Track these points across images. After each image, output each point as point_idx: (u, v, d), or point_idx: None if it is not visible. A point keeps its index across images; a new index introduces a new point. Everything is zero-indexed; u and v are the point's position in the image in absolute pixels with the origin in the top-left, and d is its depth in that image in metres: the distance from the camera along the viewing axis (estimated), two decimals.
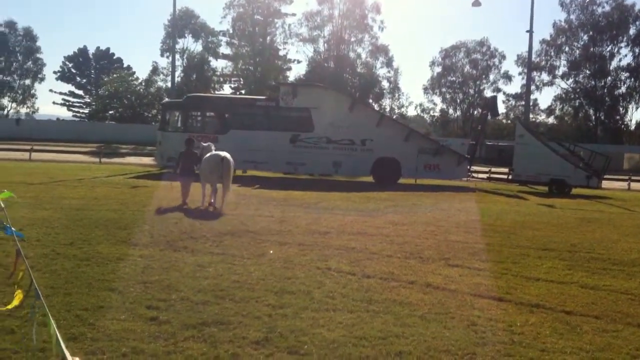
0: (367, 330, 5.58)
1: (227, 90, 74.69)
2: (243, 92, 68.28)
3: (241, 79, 74.48)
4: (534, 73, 65.69)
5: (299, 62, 75.91)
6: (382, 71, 75.49)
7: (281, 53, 73.62)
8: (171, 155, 24.70)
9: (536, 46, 66.99)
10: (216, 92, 66.37)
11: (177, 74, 66.51)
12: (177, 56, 69.68)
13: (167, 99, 36.75)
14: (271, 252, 8.90)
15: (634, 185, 30.36)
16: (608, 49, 68.43)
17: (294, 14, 71.57)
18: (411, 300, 6.66)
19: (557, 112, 73.44)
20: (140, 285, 6.75)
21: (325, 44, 73.25)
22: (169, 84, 56.44)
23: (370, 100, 69.81)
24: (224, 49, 75.91)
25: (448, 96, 79.61)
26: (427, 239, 10.78)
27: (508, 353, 5.17)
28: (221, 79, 76.66)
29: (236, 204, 14.49)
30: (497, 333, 5.65)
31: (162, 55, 76.13)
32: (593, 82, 68.91)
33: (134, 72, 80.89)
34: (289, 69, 75.62)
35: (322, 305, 6.32)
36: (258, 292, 6.70)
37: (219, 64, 77.43)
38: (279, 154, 24.06)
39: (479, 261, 8.94)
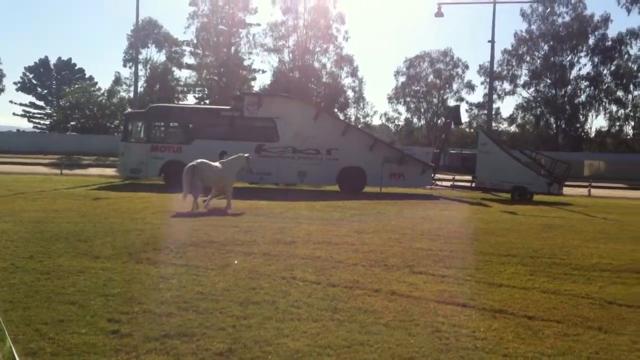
0: (332, 339, 5.57)
1: (191, 100, 74.31)
2: (207, 102, 67.92)
3: (205, 89, 74.21)
4: (496, 82, 66.73)
5: (263, 72, 75.72)
6: (347, 81, 76.06)
7: (246, 63, 73.56)
8: (134, 166, 24.47)
9: (498, 56, 68.12)
10: (180, 102, 65.83)
11: (140, 84, 66.22)
12: (140, 66, 69.32)
13: (129, 110, 36.34)
14: (236, 262, 8.84)
15: (594, 191, 30.98)
16: (568, 58, 69.91)
17: (258, 24, 71.56)
18: (376, 308, 6.68)
19: (519, 120, 74.69)
20: (102, 298, 6.63)
21: (290, 54, 73.41)
22: (132, 95, 56.00)
23: (336, 110, 70.09)
24: (188, 59, 75.72)
25: (412, 105, 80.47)
26: (392, 246, 10.82)
27: (471, 359, 5.21)
28: (185, 89, 76.30)
29: (199, 214, 14.40)
30: (461, 339, 5.69)
31: (124, 65, 75.67)
32: (554, 91, 70.27)
33: (96, 83, 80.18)
34: (254, 78, 75.61)
35: (287, 315, 6.29)
36: (222, 303, 6.64)
37: (182, 74, 76.93)
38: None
39: (443, 268, 9.00)
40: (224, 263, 8.77)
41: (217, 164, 16.27)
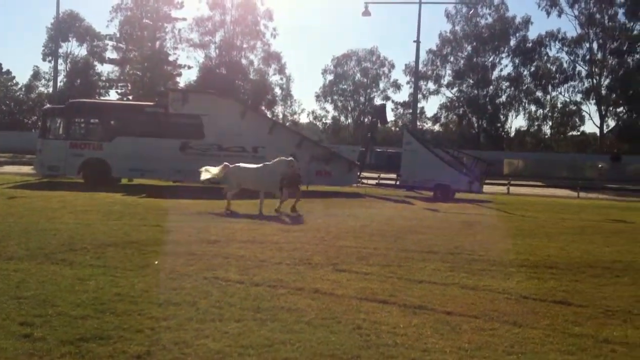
0: (254, 339, 5.52)
1: (113, 96, 72.28)
2: (130, 98, 66.28)
3: (129, 85, 72.38)
4: (421, 82, 68.10)
5: (189, 67, 74.63)
6: (274, 78, 75.88)
7: (171, 58, 72.22)
8: (52, 164, 23.65)
9: (423, 56, 69.45)
10: (101, 98, 63.95)
11: (59, 79, 64.08)
12: (60, 60, 67.01)
13: (48, 105, 35.10)
14: (156, 263, 8.64)
15: (513, 189, 32.02)
16: (490, 59, 72.09)
17: (184, 19, 70.44)
18: (299, 306, 6.66)
19: (443, 119, 76.49)
20: (14, 301, 6.36)
21: (217, 50, 72.68)
22: (51, 90, 54.04)
23: (263, 107, 69.82)
24: (111, 54, 73.68)
25: (340, 104, 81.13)
26: (317, 245, 10.86)
27: (391, 355, 5.27)
28: (107, 85, 74.11)
29: (121, 214, 14.04)
30: (381, 335, 5.75)
31: (44, 59, 72.77)
32: (476, 91, 72.27)
33: (14, 77, 76.60)
34: (180, 74, 74.23)
35: (208, 315, 6.20)
36: (141, 304, 6.47)
37: (105, 69, 74.75)
38: (168, 162, 23.48)
39: (366, 265, 9.09)
40: (143, 264, 8.57)
41: (256, 166, 16.52)
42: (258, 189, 15.97)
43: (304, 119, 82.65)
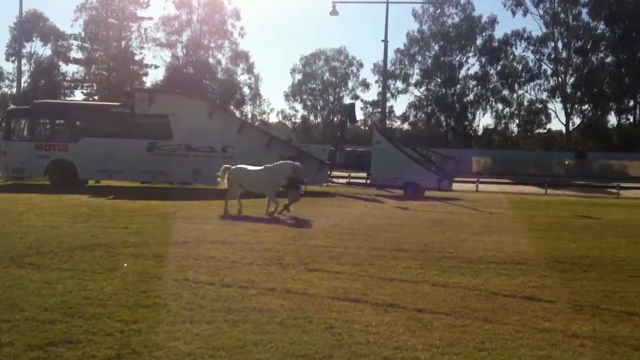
0: (225, 341, 5.48)
1: (79, 96, 71.24)
2: (96, 98, 65.40)
3: (94, 85, 71.42)
4: (390, 81, 68.45)
5: (156, 67, 74.14)
6: (243, 77, 75.67)
7: (137, 58, 71.53)
8: (17, 166, 23.25)
9: (391, 55, 69.87)
10: (66, 99, 62.91)
11: (23, 79, 63.03)
12: (24, 61, 65.88)
13: (12, 106, 34.46)
14: (125, 265, 8.53)
15: (481, 187, 32.37)
16: (457, 58, 72.92)
17: (150, 18, 69.78)
18: (270, 307, 6.63)
19: (411, 118, 77.09)
20: None
21: (184, 49, 72.16)
22: (15, 90, 53.03)
23: (231, 107, 69.50)
24: (76, 53, 72.63)
25: (309, 103, 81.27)
26: (288, 244, 10.84)
27: (363, 353, 5.27)
28: (72, 85, 72.99)
29: (88, 216, 13.84)
30: (354, 334, 5.75)
31: (7, 59, 71.58)
32: (444, 90, 72.99)
33: None
34: (146, 74, 73.50)
35: (179, 317, 6.13)
36: (110, 307, 6.38)
37: (70, 69, 73.66)
38: (135, 163, 23.24)
39: (338, 264, 9.09)
40: (112, 266, 8.45)
41: (258, 168, 16.15)
42: (258, 191, 15.90)
43: (273, 118, 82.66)
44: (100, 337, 5.45)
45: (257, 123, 68.64)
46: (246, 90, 76.25)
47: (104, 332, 5.59)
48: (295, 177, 15.52)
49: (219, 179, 16.10)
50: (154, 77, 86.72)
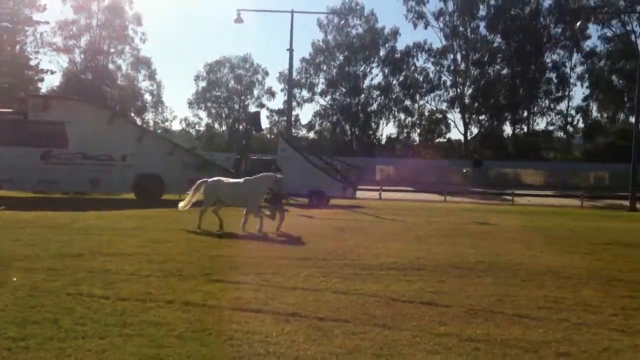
0: (119, 356, 5.28)
1: None
2: None
3: None
4: (295, 90, 68.87)
5: (52, 72, 70.81)
6: (144, 84, 73.83)
7: (32, 63, 68.15)
8: None
9: (297, 64, 70.43)
10: None
11: None
12: None
13: None
14: (14, 279, 8.05)
15: (384, 194, 33.04)
16: (361, 68, 74.25)
17: (47, 22, 66.84)
18: (168, 320, 6.43)
19: (317, 127, 77.75)
20: None
21: (82, 55, 69.57)
22: None
23: (132, 114, 67.64)
24: None
25: (213, 111, 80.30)
26: (190, 255, 10.58)
27: None
28: None
29: None
30: (254, 345, 5.66)
31: None
32: (348, 100, 74.14)
33: None
34: (42, 80, 70.17)
35: (71, 333, 5.84)
36: None
37: None
38: (29, 172, 22.13)
39: (240, 274, 8.96)
40: (0, 280, 7.95)
41: (237, 180, 15.44)
42: (237, 205, 15.11)
43: (176, 126, 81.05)
44: None
45: (159, 131, 67.09)
46: (148, 97, 74.52)
47: None
48: (277, 190, 14.76)
49: (186, 199, 15.17)
50: (50, 83, 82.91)
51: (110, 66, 70.69)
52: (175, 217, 16.53)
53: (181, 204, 15.30)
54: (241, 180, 15.29)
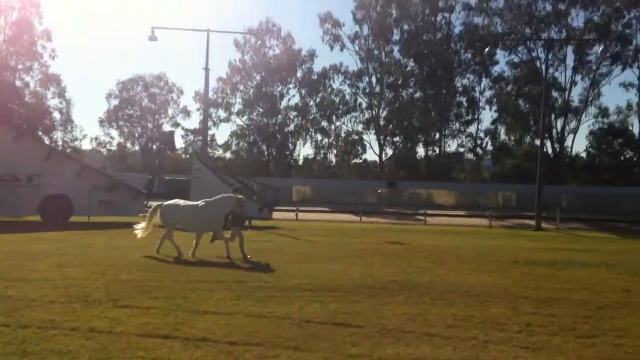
0: None
1: None
2: None
3: None
4: (212, 109, 68.13)
5: None
6: (53, 102, 71.01)
7: None
8: None
9: (213, 83, 69.70)
10: None
11: None
12: None
13: None
14: None
15: (301, 215, 33.12)
16: (279, 89, 74.38)
17: None
18: (71, 348, 6.18)
19: (234, 147, 77.03)
20: None
21: None
22: None
23: (40, 133, 65.01)
24: None
25: (126, 130, 78.12)
26: (97, 280, 10.23)
27: None
28: None
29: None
30: None
31: None
32: (265, 120, 74.05)
33: None
34: None
35: None
36: None
37: None
38: None
39: (150, 299, 8.72)
40: None
41: (195, 203, 14.48)
42: (198, 230, 14.20)
43: (86, 145, 78.41)
44: None
45: (68, 150, 64.80)
46: (57, 115, 71.80)
47: None
48: (239, 211, 14.34)
49: (144, 225, 14.45)
50: None
51: (18, 83, 67.84)
52: (83, 240, 15.97)
53: (138, 231, 14.56)
54: (200, 202, 14.55)
